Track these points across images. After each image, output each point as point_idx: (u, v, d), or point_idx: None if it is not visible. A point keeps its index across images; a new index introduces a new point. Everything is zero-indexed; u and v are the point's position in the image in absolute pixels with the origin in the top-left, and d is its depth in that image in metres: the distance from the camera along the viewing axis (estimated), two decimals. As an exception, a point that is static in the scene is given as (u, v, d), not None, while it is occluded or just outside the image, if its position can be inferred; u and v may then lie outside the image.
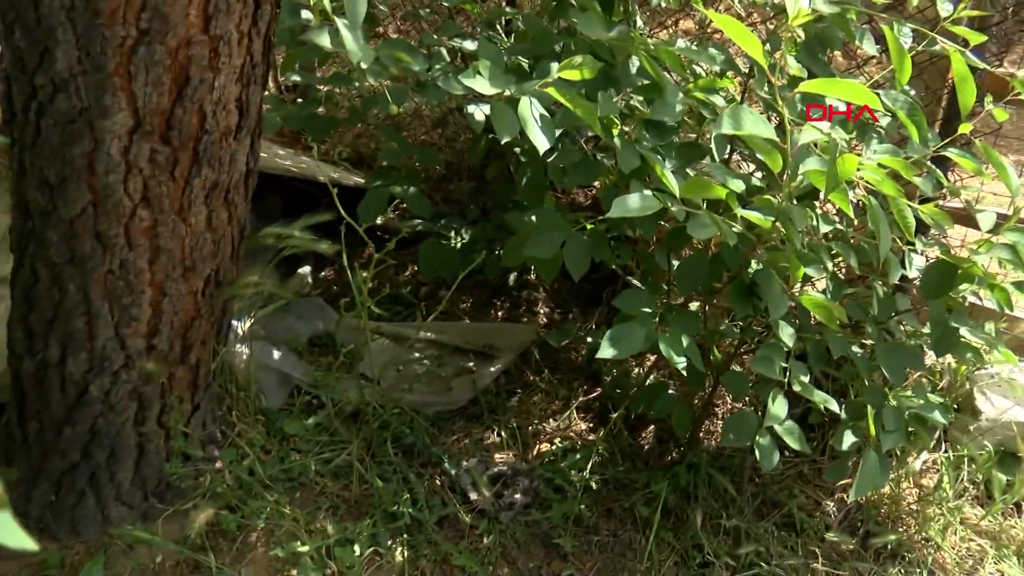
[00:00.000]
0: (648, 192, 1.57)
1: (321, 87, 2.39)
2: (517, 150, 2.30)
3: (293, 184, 2.57)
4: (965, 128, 2.03)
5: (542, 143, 1.51)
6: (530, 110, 1.51)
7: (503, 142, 1.55)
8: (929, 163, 2.08)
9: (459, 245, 2.45)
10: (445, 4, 2.31)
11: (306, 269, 2.61)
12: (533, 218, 1.98)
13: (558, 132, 1.67)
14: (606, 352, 1.73)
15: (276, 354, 2.26)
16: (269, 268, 2.01)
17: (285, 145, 2.77)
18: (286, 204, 2.63)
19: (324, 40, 1.57)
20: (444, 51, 1.98)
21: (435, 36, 2.02)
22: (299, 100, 2.43)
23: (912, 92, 2.08)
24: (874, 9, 2.17)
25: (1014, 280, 2.12)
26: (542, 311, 2.76)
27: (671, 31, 3.18)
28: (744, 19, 2.89)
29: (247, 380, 2.11)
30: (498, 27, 2.33)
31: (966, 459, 2.39)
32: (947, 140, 2.08)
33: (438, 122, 2.89)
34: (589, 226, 1.97)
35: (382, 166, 2.38)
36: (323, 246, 1.91)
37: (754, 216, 1.62)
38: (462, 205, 2.66)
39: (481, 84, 1.55)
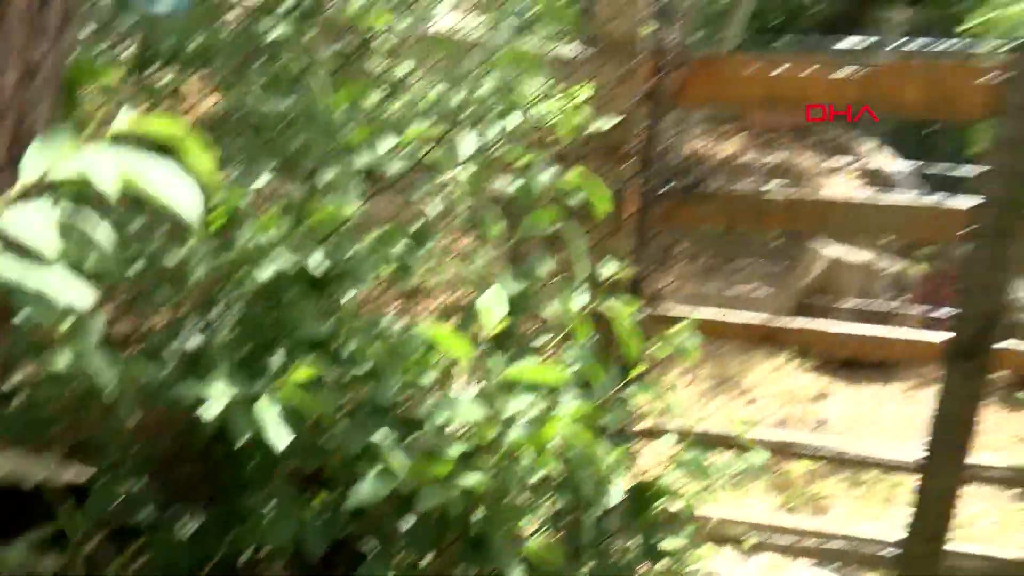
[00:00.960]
0: (379, 469, 1.72)
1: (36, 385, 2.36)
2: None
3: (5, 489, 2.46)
4: (638, 370, 2.39)
5: (281, 441, 1.64)
6: (266, 413, 1.64)
7: (237, 446, 1.65)
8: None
9: (190, 534, 2.43)
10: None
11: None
12: (266, 500, 2.06)
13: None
14: (355, 625, 1.82)
15: None
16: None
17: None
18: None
19: (64, 360, 1.62)
20: (174, 348, 2.06)
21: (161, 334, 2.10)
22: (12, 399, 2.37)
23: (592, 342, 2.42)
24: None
25: (696, 489, 2.47)
26: (280, 583, 2.76)
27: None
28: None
29: None
30: (215, 313, 2.44)
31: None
32: (628, 379, 2.43)
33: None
34: (320, 500, 2.07)
35: (104, 461, 2.35)
36: (48, 562, 1.87)
37: (473, 480, 1.81)
38: (190, 490, 2.65)
39: (216, 391, 1.66)
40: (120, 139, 1.14)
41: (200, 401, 1.88)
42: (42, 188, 1.13)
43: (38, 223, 1.06)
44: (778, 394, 5.01)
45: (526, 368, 1.75)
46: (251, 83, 2.28)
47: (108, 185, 1.07)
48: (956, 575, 2.99)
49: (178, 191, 1.09)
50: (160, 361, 1.97)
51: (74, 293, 1.12)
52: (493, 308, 1.77)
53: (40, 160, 1.12)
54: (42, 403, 2.30)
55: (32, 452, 2.69)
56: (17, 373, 2.30)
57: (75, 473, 2.60)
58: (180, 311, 2.43)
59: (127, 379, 1.79)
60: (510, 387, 1.82)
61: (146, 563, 2.63)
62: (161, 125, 1.15)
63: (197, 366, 1.96)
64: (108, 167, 1.08)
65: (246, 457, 2.27)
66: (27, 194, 1.10)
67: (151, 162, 1.11)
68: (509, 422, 1.81)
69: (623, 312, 2.24)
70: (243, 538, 2.11)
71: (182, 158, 1.16)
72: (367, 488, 1.66)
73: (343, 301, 2.04)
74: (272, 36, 2.25)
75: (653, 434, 2.76)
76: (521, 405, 1.78)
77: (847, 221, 2.97)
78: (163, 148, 1.17)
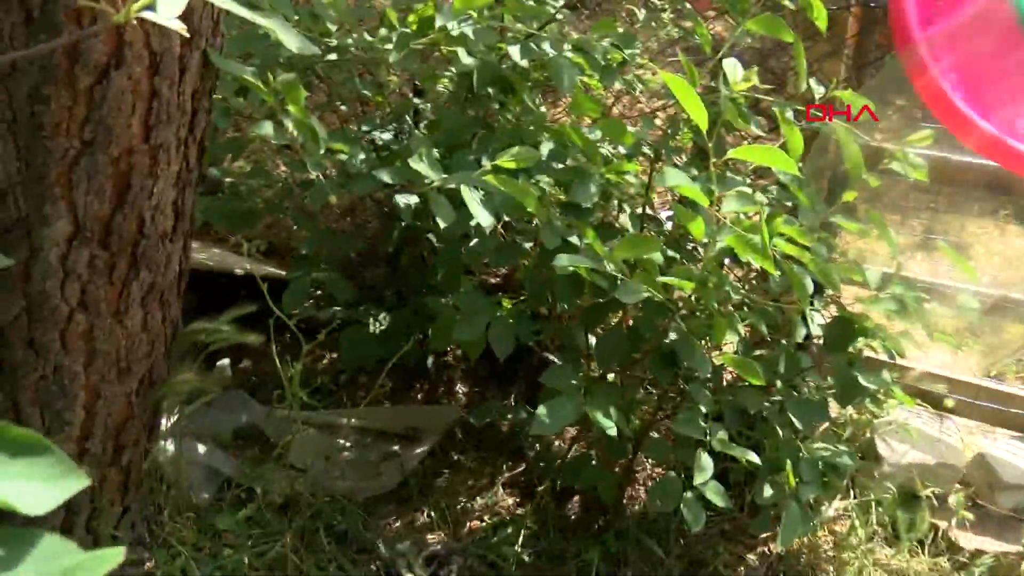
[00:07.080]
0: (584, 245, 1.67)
1: (232, 179, 2.41)
2: (431, 236, 2.37)
3: (204, 277, 2.56)
4: (850, 196, 2.20)
5: (487, 221, 1.61)
6: (471, 195, 1.60)
7: (438, 226, 1.62)
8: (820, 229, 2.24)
9: (378, 332, 2.48)
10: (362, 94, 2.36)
11: (225, 362, 2.59)
12: (456, 302, 2.05)
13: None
14: (542, 427, 1.80)
15: (202, 449, 2.24)
16: (198, 364, 2.00)
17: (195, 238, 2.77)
18: (200, 298, 2.62)
19: (268, 130, 1.63)
20: (375, 140, 2.05)
21: (357, 128, 2.08)
22: (211, 193, 2.44)
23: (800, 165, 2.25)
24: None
25: (900, 331, 2.29)
26: (460, 391, 2.81)
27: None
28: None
29: (176, 477, 2.08)
30: (407, 118, 2.41)
31: (873, 503, 2.53)
32: (834, 208, 2.25)
33: (347, 210, 2.93)
34: (508, 305, 2.04)
35: (301, 255, 2.40)
36: (251, 338, 1.93)
37: (677, 281, 1.71)
38: (377, 291, 2.70)
39: (426, 170, 1.63)
40: None
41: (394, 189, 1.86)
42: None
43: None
44: (1001, 253, 4.61)
45: (752, 149, 1.62)
46: None
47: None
48: None
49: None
50: (357, 143, 1.94)
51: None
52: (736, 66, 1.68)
53: None
54: (246, 195, 2.35)
55: (236, 248, 2.79)
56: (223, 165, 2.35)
57: (275, 265, 2.69)
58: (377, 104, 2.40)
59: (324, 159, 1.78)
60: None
61: (335, 357, 2.72)
62: None
63: (394, 156, 1.93)
64: None
65: (434, 261, 2.27)
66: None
67: None
68: (721, 226, 1.70)
69: (846, 129, 2.05)
70: (435, 336, 2.11)
71: None
72: (566, 259, 1.61)
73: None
74: None
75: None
76: (738, 204, 1.66)
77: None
78: None
